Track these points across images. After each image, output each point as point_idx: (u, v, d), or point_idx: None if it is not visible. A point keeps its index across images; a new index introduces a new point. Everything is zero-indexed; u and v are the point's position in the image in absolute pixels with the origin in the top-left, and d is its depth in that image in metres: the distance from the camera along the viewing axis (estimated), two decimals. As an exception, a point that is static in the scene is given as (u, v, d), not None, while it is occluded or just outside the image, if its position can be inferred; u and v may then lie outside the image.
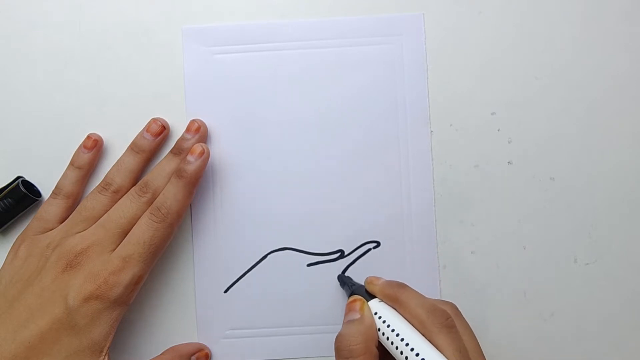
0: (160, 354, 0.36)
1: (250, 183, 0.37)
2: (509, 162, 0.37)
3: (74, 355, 0.31)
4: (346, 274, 0.37)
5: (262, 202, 0.37)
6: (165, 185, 0.35)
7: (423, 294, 0.32)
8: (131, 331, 0.37)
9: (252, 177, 0.37)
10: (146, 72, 0.38)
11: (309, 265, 0.37)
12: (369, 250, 0.37)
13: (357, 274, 0.37)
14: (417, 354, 0.28)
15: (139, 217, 0.34)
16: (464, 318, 0.31)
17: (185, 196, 0.34)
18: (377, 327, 0.31)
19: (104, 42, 0.38)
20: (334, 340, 0.31)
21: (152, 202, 0.34)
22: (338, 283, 0.37)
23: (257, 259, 0.37)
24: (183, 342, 0.37)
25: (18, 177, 0.37)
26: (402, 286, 0.32)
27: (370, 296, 0.33)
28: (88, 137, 0.37)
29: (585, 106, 0.37)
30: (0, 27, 0.38)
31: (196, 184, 0.35)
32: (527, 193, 0.37)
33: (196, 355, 0.36)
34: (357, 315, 0.31)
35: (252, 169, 0.37)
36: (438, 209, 0.37)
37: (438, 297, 0.37)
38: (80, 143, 0.37)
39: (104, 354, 0.32)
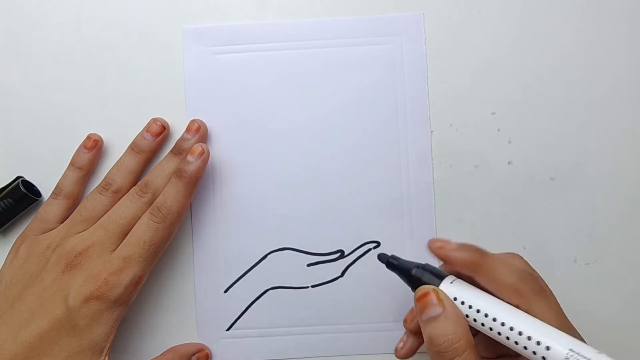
0: (161, 354, 0.36)
1: (251, 183, 0.37)
2: (509, 162, 0.37)
3: (75, 356, 0.31)
4: (346, 273, 0.37)
5: (262, 202, 0.37)
6: (166, 185, 0.35)
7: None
8: (131, 331, 0.37)
9: (252, 177, 0.37)
10: (146, 72, 0.38)
11: (309, 265, 0.37)
12: (369, 250, 0.37)
13: (357, 274, 0.37)
14: (520, 333, 0.25)
15: (139, 218, 0.34)
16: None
17: (186, 196, 0.34)
18: (468, 305, 0.27)
19: (104, 42, 0.38)
20: (427, 345, 0.27)
21: (152, 202, 0.34)
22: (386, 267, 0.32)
23: (257, 259, 0.37)
24: (183, 342, 0.37)
25: (18, 177, 0.37)
26: (481, 252, 0.28)
27: (435, 277, 0.29)
28: (88, 137, 0.37)
29: (585, 106, 0.37)
30: (0, 27, 0.38)
31: (196, 184, 0.35)
32: (527, 193, 0.37)
33: (196, 355, 0.36)
34: (439, 309, 0.27)
35: (252, 169, 0.37)
36: (438, 209, 0.37)
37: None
38: (80, 143, 0.37)
39: (104, 354, 0.32)
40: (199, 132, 0.36)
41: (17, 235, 0.36)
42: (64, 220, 0.36)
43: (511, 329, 0.26)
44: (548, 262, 0.37)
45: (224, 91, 0.37)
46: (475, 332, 0.28)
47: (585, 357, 0.24)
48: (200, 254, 0.37)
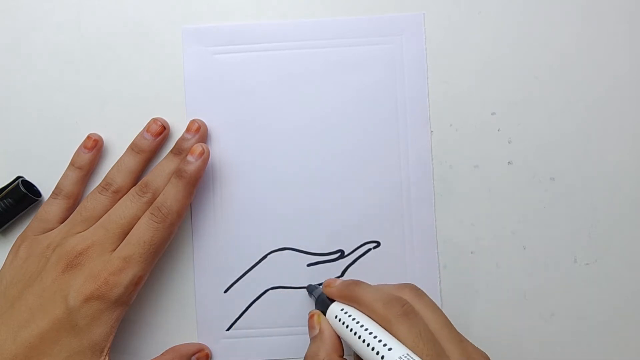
0: (161, 354, 0.36)
1: (250, 183, 0.37)
2: (509, 162, 0.37)
3: (75, 356, 0.31)
4: (346, 274, 0.37)
5: (262, 202, 0.37)
6: (166, 185, 0.35)
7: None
8: (131, 331, 0.37)
9: (252, 177, 0.37)
10: (146, 72, 0.38)
11: (309, 265, 0.37)
12: (369, 250, 0.37)
13: (357, 274, 0.37)
14: (380, 340, 0.28)
15: (139, 217, 0.34)
16: (426, 297, 0.31)
17: (186, 196, 0.34)
18: (346, 325, 0.30)
19: (104, 42, 0.38)
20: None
21: (152, 202, 0.34)
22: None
23: (257, 259, 0.37)
24: (183, 342, 0.37)
25: (18, 177, 0.37)
26: (357, 283, 0.32)
27: (330, 301, 0.33)
28: (88, 137, 0.37)
29: (585, 106, 0.37)
30: (0, 27, 0.38)
31: (196, 184, 0.35)
32: (527, 193, 0.37)
33: (196, 355, 0.36)
34: (316, 331, 0.32)
35: (252, 169, 0.37)
36: (438, 209, 0.37)
37: (438, 297, 0.37)
38: (80, 143, 0.37)
39: (104, 354, 0.32)
40: (199, 132, 0.36)
41: (17, 235, 0.36)
42: (64, 220, 0.36)
43: (379, 341, 0.28)
44: (548, 262, 0.37)
45: (224, 91, 0.37)
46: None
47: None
48: (200, 254, 0.37)
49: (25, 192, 0.36)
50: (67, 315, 0.31)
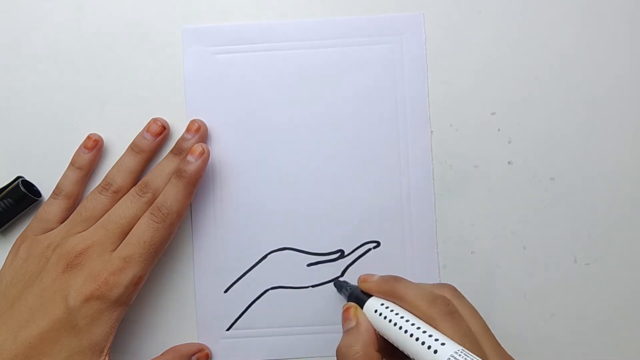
0: (161, 354, 0.36)
1: (250, 183, 0.37)
2: (509, 162, 0.37)
3: (75, 356, 0.31)
4: (346, 273, 0.37)
5: (262, 202, 0.37)
6: (166, 185, 0.35)
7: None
8: (131, 331, 0.37)
9: (252, 177, 0.37)
10: (146, 72, 0.38)
11: (309, 265, 0.37)
12: (369, 250, 0.37)
13: (357, 274, 0.37)
14: (430, 335, 0.27)
15: (140, 218, 0.34)
16: (465, 299, 0.31)
17: (186, 196, 0.34)
18: (388, 319, 0.30)
19: (104, 42, 0.38)
20: (336, 352, 0.30)
21: (152, 202, 0.34)
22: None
23: (257, 259, 0.37)
24: (183, 342, 0.37)
25: (18, 177, 0.37)
26: (397, 279, 0.31)
27: (367, 295, 0.32)
28: (88, 137, 0.37)
29: (585, 106, 0.37)
30: (0, 27, 0.38)
31: (196, 184, 0.35)
32: (527, 193, 0.37)
33: (196, 355, 0.36)
34: (353, 323, 0.31)
35: (252, 169, 0.37)
36: (438, 209, 0.37)
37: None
38: (80, 143, 0.37)
39: (104, 354, 0.32)
40: (199, 132, 0.36)
41: (17, 235, 0.36)
42: (64, 220, 0.36)
43: (424, 332, 0.28)
44: (548, 262, 0.37)
45: (224, 91, 0.37)
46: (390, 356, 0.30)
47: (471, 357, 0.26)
48: (200, 254, 0.37)
49: (25, 192, 0.36)
50: (67, 315, 0.31)
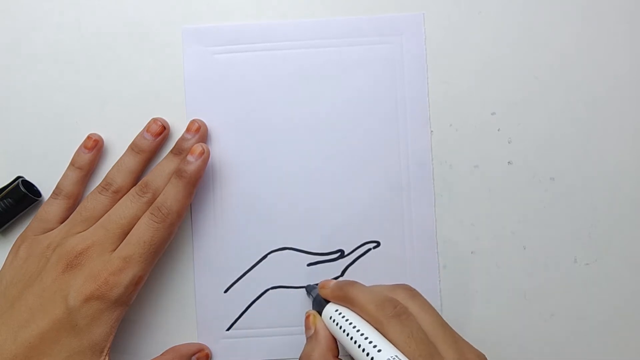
0: (161, 354, 0.36)
1: (250, 183, 0.37)
2: (509, 162, 0.37)
3: (75, 356, 0.31)
4: (346, 273, 0.37)
5: (262, 202, 0.37)
6: (166, 185, 0.35)
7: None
8: (131, 331, 0.37)
9: (252, 177, 0.37)
10: (146, 72, 0.38)
11: (309, 265, 0.37)
12: (369, 250, 0.37)
13: (357, 274, 0.37)
14: (371, 342, 0.28)
15: (140, 218, 0.34)
16: (420, 297, 0.31)
17: (186, 196, 0.34)
18: (339, 326, 0.30)
19: (104, 42, 0.38)
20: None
21: (152, 202, 0.34)
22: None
23: (257, 259, 0.37)
24: (183, 342, 0.37)
25: (18, 177, 0.37)
26: (351, 284, 0.32)
27: (326, 302, 0.33)
28: (88, 137, 0.37)
29: (585, 106, 0.37)
30: (0, 27, 0.38)
31: (196, 184, 0.35)
32: (527, 193, 0.37)
33: (197, 355, 0.36)
34: (312, 331, 0.32)
35: (252, 169, 0.37)
36: (438, 209, 0.37)
37: (437, 297, 0.37)
38: (80, 143, 0.37)
39: (104, 354, 0.32)
40: (199, 132, 0.36)
41: (17, 235, 0.36)
42: (64, 220, 0.36)
43: (370, 342, 0.28)
44: (548, 262, 0.37)
45: (224, 91, 0.37)
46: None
47: None
48: (200, 254, 0.37)
49: (25, 192, 0.36)
50: (67, 315, 0.31)
